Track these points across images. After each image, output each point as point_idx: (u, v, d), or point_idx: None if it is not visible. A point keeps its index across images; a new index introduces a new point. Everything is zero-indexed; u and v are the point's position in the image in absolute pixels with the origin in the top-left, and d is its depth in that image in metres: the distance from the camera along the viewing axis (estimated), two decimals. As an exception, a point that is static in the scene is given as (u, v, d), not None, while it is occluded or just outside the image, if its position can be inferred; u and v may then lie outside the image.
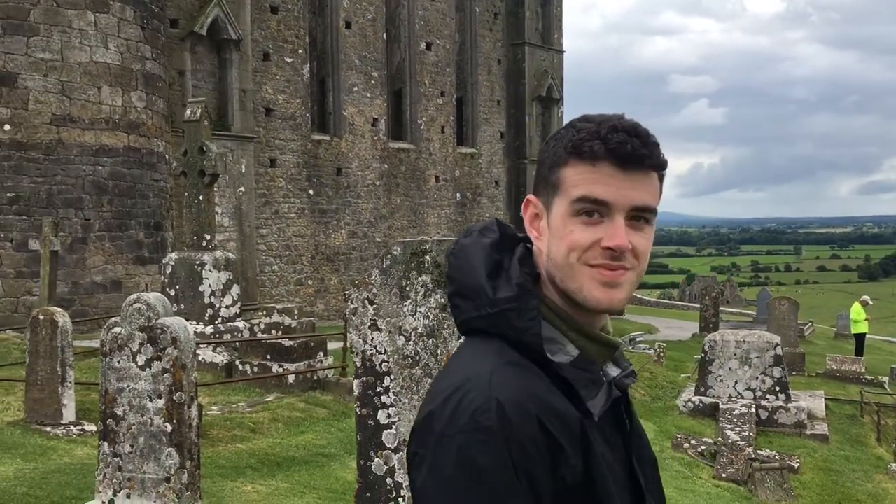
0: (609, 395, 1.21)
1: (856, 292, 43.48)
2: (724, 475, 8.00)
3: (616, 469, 1.18)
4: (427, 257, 3.12)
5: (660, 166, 1.19)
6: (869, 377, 15.80)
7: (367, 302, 3.21)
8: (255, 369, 9.66)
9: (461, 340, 1.31)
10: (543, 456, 1.07)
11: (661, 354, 15.85)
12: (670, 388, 12.75)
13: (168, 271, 10.73)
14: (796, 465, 8.33)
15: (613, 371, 1.25)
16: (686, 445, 8.85)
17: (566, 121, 1.35)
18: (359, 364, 3.23)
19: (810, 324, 26.70)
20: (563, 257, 1.16)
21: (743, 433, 9.12)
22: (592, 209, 1.15)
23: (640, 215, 1.17)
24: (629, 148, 1.14)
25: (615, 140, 1.14)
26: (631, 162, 1.15)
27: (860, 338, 19.12)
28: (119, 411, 4.14)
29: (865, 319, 19.18)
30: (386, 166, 24.55)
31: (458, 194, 27.22)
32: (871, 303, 20.40)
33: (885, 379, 16.35)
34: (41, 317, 7.48)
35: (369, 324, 3.21)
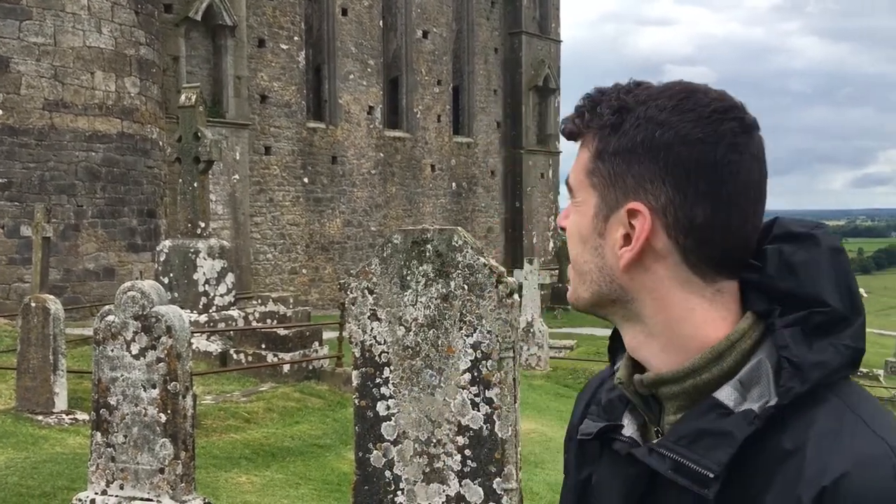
0: (601, 432, 1.00)
1: (849, 285, 43.49)
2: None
3: None
4: (428, 246, 3.05)
5: (569, 135, 0.97)
6: (864, 370, 15.83)
7: (366, 291, 3.14)
8: (250, 358, 9.59)
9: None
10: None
11: (657, 346, 15.84)
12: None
13: (162, 259, 10.64)
14: (793, 458, 8.32)
15: (639, 430, 0.98)
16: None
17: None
18: (358, 354, 3.16)
19: (804, 316, 26.73)
20: None
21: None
22: None
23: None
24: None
25: None
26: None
27: (854, 330, 19.15)
28: (112, 401, 4.06)
29: (860, 312, 19.21)
30: (381, 155, 24.45)
31: (453, 184, 27.13)
32: (865, 295, 20.41)
33: (880, 372, 16.39)
34: (33, 304, 7.39)
35: (369, 314, 3.14)
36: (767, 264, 0.90)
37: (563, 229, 0.99)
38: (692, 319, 0.91)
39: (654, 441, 0.93)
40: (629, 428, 0.98)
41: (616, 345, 1.07)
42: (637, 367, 0.98)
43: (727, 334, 0.90)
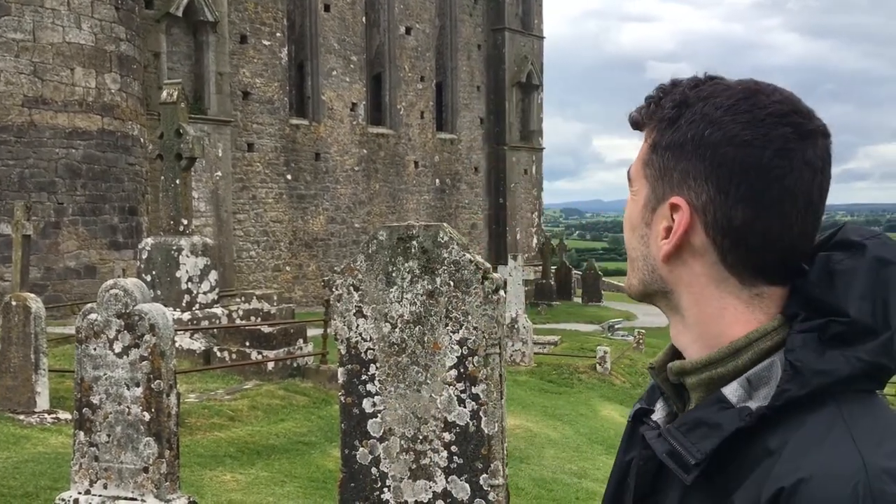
0: (636, 415, 1.06)
1: (829, 279, 43.93)
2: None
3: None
4: (414, 242, 3.05)
5: (633, 124, 0.99)
6: None
7: (352, 288, 3.13)
8: (234, 356, 9.54)
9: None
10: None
11: (641, 341, 15.92)
12: (646, 367, 12.80)
13: (144, 256, 10.56)
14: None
15: (668, 417, 1.00)
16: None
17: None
18: (343, 351, 3.15)
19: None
20: None
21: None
22: None
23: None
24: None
25: None
26: (630, 124, 1.01)
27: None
28: (95, 400, 4.03)
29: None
30: (365, 152, 24.38)
31: (437, 180, 27.11)
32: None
33: None
34: (14, 303, 7.32)
35: (354, 310, 3.13)
36: (812, 270, 0.90)
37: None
38: (723, 318, 0.92)
39: (666, 427, 0.95)
40: (658, 413, 1.01)
41: None
42: (677, 355, 1.00)
43: (748, 332, 0.91)
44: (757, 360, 0.89)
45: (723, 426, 0.87)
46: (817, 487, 0.78)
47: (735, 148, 0.87)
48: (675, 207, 0.92)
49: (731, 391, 0.89)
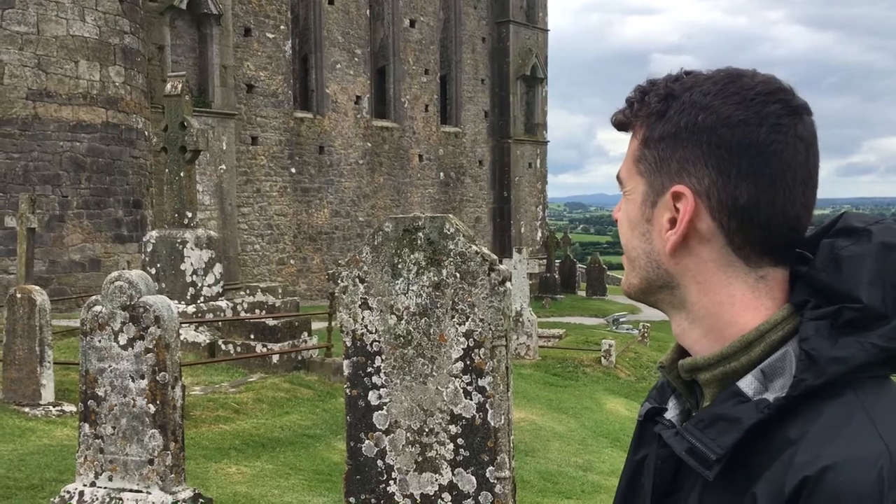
0: (649, 414, 1.04)
1: (835, 273, 43.85)
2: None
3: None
4: (420, 234, 3.03)
5: (619, 125, 0.99)
6: None
7: (357, 280, 3.11)
8: (239, 349, 9.55)
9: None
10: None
11: (646, 334, 15.89)
12: (655, 367, 12.77)
13: (149, 249, 10.55)
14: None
15: (682, 415, 1.00)
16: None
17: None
18: (349, 344, 3.14)
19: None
20: None
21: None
22: None
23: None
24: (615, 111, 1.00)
25: None
26: (615, 127, 1.01)
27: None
28: (100, 392, 4.02)
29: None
30: (369, 145, 24.35)
31: (441, 173, 27.07)
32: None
33: None
34: (18, 295, 7.32)
35: (360, 302, 3.11)
36: (817, 257, 0.90)
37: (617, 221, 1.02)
38: (733, 306, 0.92)
39: (683, 424, 0.95)
40: (672, 411, 1.01)
41: None
42: (684, 352, 1.00)
43: (759, 324, 0.90)
44: (770, 352, 0.89)
45: (742, 420, 0.86)
46: (842, 474, 0.78)
47: (731, 128, 0.88)
48: (677, 196, 0.91)
49: (747, 384, 0.89)
